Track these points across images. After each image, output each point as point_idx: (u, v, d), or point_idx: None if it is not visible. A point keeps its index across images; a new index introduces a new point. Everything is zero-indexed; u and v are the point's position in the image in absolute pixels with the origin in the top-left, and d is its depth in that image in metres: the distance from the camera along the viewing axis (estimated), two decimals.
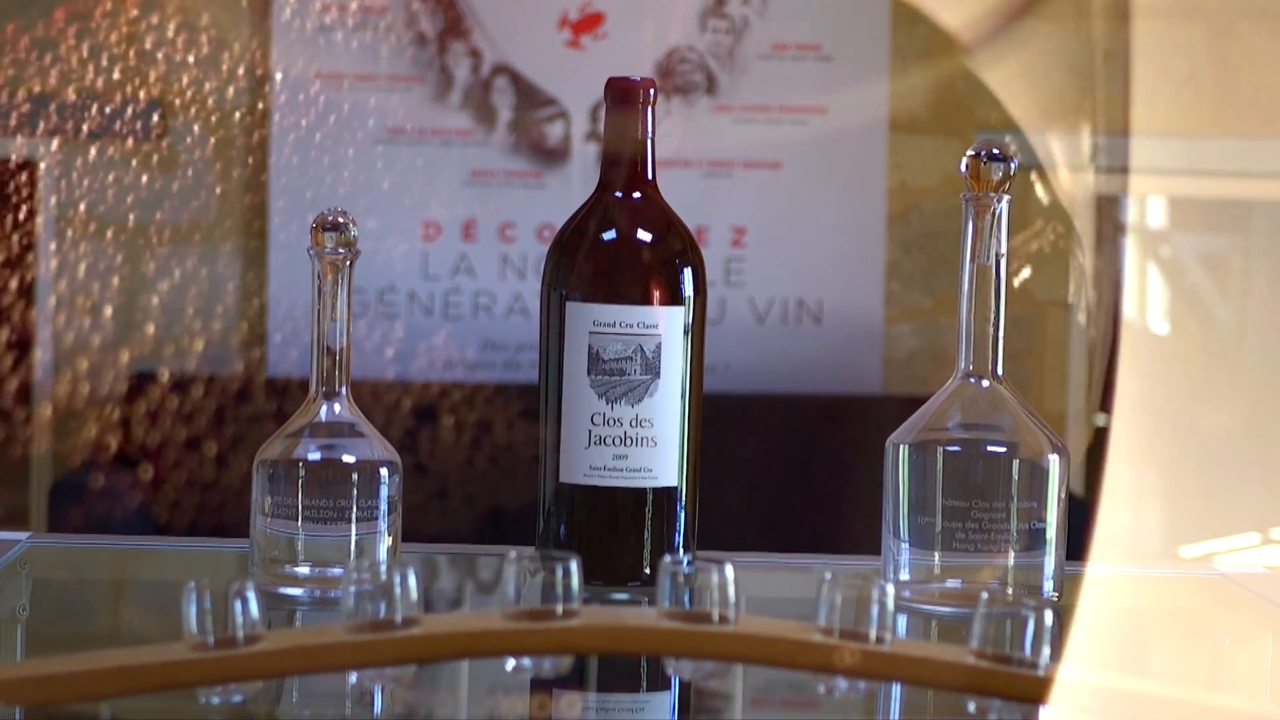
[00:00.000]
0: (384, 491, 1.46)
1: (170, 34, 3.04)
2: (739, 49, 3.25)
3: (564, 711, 1.25)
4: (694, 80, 3.24)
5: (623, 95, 1.51)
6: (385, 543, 1.46)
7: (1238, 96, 3.06)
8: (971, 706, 1.13)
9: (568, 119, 3.23)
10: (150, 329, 3.13)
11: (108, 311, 3.14)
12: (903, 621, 1.38)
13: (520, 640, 1.12)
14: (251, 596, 1.11)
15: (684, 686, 1.27)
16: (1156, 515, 3.02)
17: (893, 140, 3.26)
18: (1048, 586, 1.44)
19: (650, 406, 1.48)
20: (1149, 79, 3.04)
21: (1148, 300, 3.12)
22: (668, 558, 1.16)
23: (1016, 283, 3.19)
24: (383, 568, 1.13)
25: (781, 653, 1.12)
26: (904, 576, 1.45)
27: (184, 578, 1.13)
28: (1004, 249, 1.45)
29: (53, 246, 3.11)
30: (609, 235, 1.51)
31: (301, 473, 1.44)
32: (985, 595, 1.14)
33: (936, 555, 1.44)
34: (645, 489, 1.49)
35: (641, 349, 1.48)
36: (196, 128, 3.15)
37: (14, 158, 3.08)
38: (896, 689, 1.24)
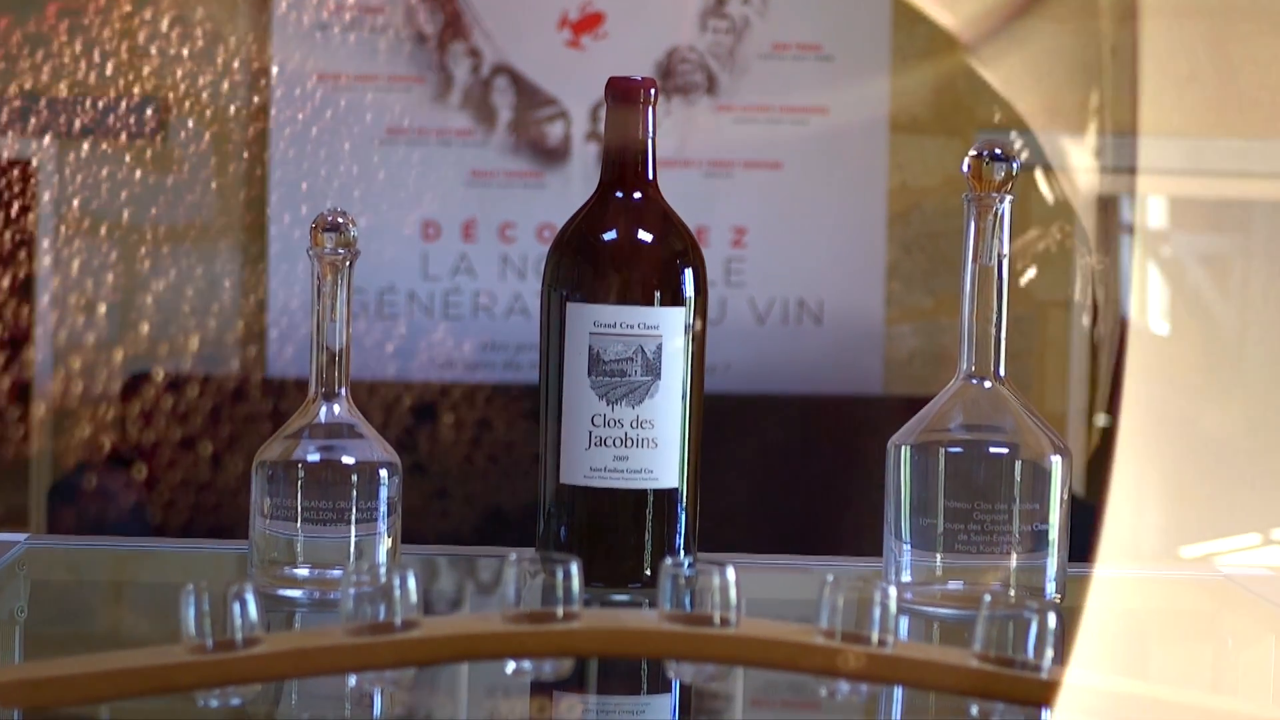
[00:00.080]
0: (383, 493, 1.45)
1: (164, 28, 3.03)
2: (739, 49, 3.24)
3: (564, 714, 1.24)
4: (694, 80, 3.23)
5: (624, 95, 1.51)
6: (385, 544, 1.46)
7: (1239, 96, 3.05)
8: (974, 710, 1.12)
9: (568, 119, 3.23)
10: (147, 328, 3.13)
11: (106, 311, 3.13)
12: (904, 623, 1.38)
13: (520, 643, 1.12)
14: (250, 599, 1.10)
15: (685, 689, 1.27)
16: (1157, 515, 3.02)
17: (893, 140, 3.26)
18: (1050, 588, 1.44)
19: (651, 407, 1.48)
20: (1150, 79, 3.04)
21: (1149, 300, 3.12)
22: (669, 560, 1.16)
23: (1022, 282, 3.18)
24: (382, 570, 1.12)
25: (783, 656, 1.12)
26: (906, 578, 1.45)
27: (183, 579, 1.12)
28: (1006, 249, 1.45)
29: (47, 244, 3.10)
30: (610, 235, 1.51)
31: (301, 474, 1.44)
32: (988, 598, 1.13)
33: (938, 557, 1.43)
34: (646, 490, 1.48)
35: (642, 350, 1.48)
36: (192, 122, 3.15)
37: (4, 154, 3.07)
38: (898, 692, 1.23)
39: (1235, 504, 3.01)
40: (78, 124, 3.04)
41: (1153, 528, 3.01)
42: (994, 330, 1.45)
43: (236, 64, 3.12)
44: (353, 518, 1.44)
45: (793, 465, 3.12)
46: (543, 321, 1.50)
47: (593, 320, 1.48)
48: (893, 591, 1.12)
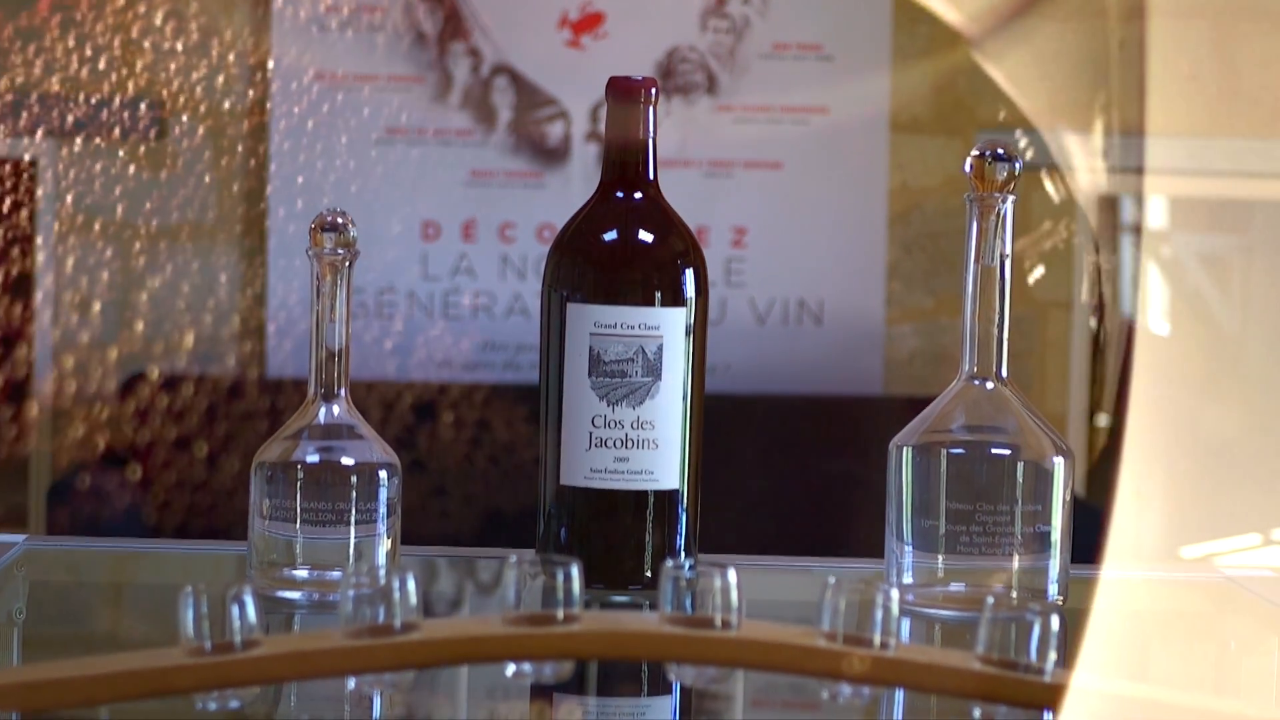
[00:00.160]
0: (383, 494, 1.45)
1: (159, 22, 3.02)
2: (740, 48, 3.24)
3: (565, 717, 1.24)
4: (694, 80, 3.23)
5: (625, 94, 1.50)
6: (384, 546, 1.45)
7: (1241, 96, 3.05)
8: (977, 713, 1.12)
9: (568, 119, 3.22)
10: (143, 326, 3.12)
11: (106, 310, 3.13)
12: (906, 625, 1.37)
13: (521, 645, 1.11)
14: (249, 601, 1.10)
15: (685, 692, 1.27)
16: (1157, 516, 3.01)
17: (894, 140, 3.25)
18: (1052, 590, 1.43)
19: (651, 408, 1.47)
20: (1152, 78, 3.04)
21: (1149, 300, 3.12)
22: (669, 562, 1.15)
23: (1030, 281, 3.18)
24: (382, 572, 1.12)
25: (785, 658, 1.11)
26: (907, 580, 1.44)
27: (182, 580, 1.12)
28: (1009, 250, 1.44)
29: (45, 242, 3.09)
30: (610, 236, 1.50)
31: (300, 475, 1.43)
32: (990, 600, 1.13)
33: (940, 558, 1.43)
34: (646, 492, 1.48)
35: (643, 350, 1.47)
36: (192, 125, 3.14)
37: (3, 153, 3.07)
38: (900, 694, 1.23)
39: (1235, 504, 3.01)
40: (70, 119, 3.03)
41: (1152, 528, 3.01)
42: (996, 331, 1.45)
43: (238, 66, 3.12)
44: (352, 519, 1.44)
45: (793, 466, 3.12)
46: (543, 322, 1.50)
47: (593, 321, 1.47)
48: (895, 594, 1.12)
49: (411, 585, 1.11)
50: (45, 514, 3.09)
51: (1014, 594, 1.42)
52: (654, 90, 1.50)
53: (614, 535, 1.48)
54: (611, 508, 1.48)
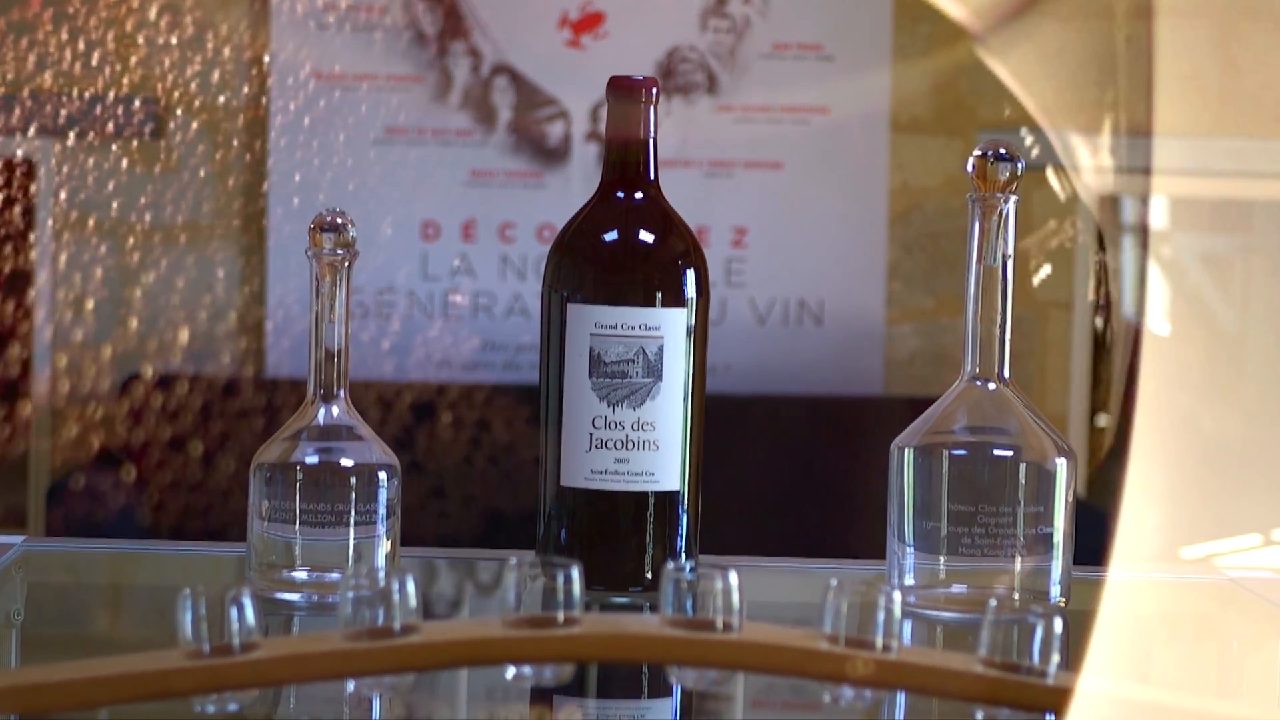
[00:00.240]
0: (382, 495, 1.44)
1: (153, 16, 3.02)
2: (740, 48, 3.23)
3: None
4: (695, 80, 3.22)
5: (625, 94, 1.50)
6: (384, 547, 1.45)
7: (1242, 96, 3.04)
8: (979, 715, 1.11)
9: (568, 119, 3.22)
10: (142, 325, 3.12)
11: (101, 307, 3.12)
12: (907, 627, 1.37)
13: (521, 648, 1.10)
14: (247, 603, 1.09)
15: (686, 694, 1.26)
16: (1157, 516, 3.01)
17: (894, 140, 3.25)
18: (1055, 591, 1.43)
19: (652, 409, 1.47)
20: (1154, 78, 3.03)
21: (1150, 300, 3.11)
22: (670, 564, 1.15)
23: (1036, 281, 3.18)
24: (381, 574, 1.11)
25: (787, 661, 1.11)
26: (909, 581, 1.44)
27: (180, 582, 1.11)
28: (1011, 250, 1.44)
29: (40, 239, 3.09)
30: (611, 236, 1.50)
31: (299, 476, 1.43)
32: (992, 601, 1.12)
33: (942, 560, 1.42)
34: (647, 493, 1.47)
35: (643, 351, 1.46)
36: (187, 120, 3.14)
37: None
38: (902, 697, 1.22)
39: (1236, 504, 3.01)
40: (64, 115, 3.02)
41: (1152, 528, 3.00)
42: (998, 332, 1.44)
43: (237, 66, 3.11)
44: (351, 520, 1.43)
45: (793, 466, 3.11)
46: (543, 323, 1.49)
47: (593, 321, 1.47)
48: (897, 596, 1.11)
49: (411, 587, 1.10)
50: (44, 515, 3.08)
51: (1016, 596, 1.41)
52: (655, 90, 1.50)
53: (615, 537, 1.48)
54: (612, 509, 1.47)
